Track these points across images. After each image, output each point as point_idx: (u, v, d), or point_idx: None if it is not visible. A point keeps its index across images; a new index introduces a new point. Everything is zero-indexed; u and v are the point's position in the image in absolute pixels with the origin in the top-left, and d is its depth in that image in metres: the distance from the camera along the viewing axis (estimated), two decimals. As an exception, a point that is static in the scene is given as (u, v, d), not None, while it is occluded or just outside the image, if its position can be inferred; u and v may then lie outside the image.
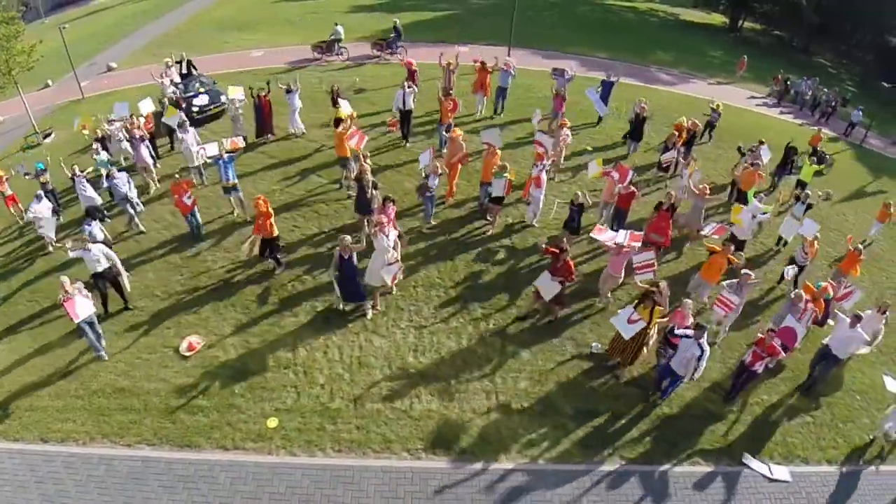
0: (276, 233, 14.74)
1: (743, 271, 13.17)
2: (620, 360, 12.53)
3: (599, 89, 22.70)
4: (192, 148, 18.33)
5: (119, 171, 17.00)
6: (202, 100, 23.65)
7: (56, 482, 10.47)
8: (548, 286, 12.84)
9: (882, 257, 18.52)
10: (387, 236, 12.98)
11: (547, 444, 11.32)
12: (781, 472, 11.23)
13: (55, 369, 12.67)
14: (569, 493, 10.55)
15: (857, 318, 12.23)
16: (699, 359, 10.99)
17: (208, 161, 17.87)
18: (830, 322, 13.52)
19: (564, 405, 12.05)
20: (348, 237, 12.75)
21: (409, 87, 20.27)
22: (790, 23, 48.45)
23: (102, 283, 13.64)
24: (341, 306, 13.95)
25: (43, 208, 15.89)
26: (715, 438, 11.70)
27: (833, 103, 31.75)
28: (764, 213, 16.21)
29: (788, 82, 33.11)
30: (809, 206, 17.33)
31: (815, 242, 15.27)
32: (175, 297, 14.50)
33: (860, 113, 30.61)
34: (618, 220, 16.25)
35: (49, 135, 23.66)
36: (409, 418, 11.62)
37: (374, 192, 15.18)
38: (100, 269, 13.41)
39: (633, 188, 15.88)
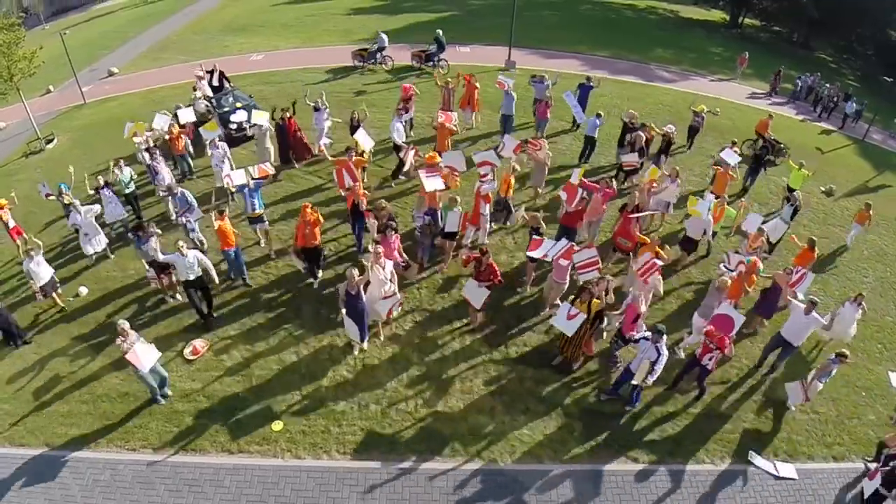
0: (319, 242, 14.26)
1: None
2: (567, 355, 12.53)
3: (577, 93, 21.70)
4: (222, 167, 17.31)
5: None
6: (240, 116, 20.86)
7: (61, 487, 10.48)
8: (475, 293, 12.49)
9: (886, 252, 18.44)
10: (382, 268, 12.22)
11: (553, 444, 11.30)
12: (787, 469, 11.19)
13: (60, 374, 12.71)
14: (575, 493, 10.53)
15: (812, 305, 12.02)
16: (655, 362, 10.72)
17: (233, 190, 16.50)
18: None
19: (570, 405, 12.04)
20: (355, 270, 11.85)
21: (401, 114, 19.35)
22: (790, 18, 48.34)
23: (194, 292, 13.24)
24: (357, 349, 13.00)
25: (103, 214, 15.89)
26: (720, 436, 11.67)
27: (835, 98, 31.70)
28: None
29: (780, 75, 32.96)
30: (797, 210, 16.90)
31: (760, 237, 14.72)
32: (187, 303, 14.34)
33: (853, 104, 30.51)
34: (566, 238, 14.64)
35: (51, 140, 23.72)
36: (413, 420, 11.62)
37: (371, 220, 14.36)
38: (192, 277, 13.03)
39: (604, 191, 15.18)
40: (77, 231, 15.63)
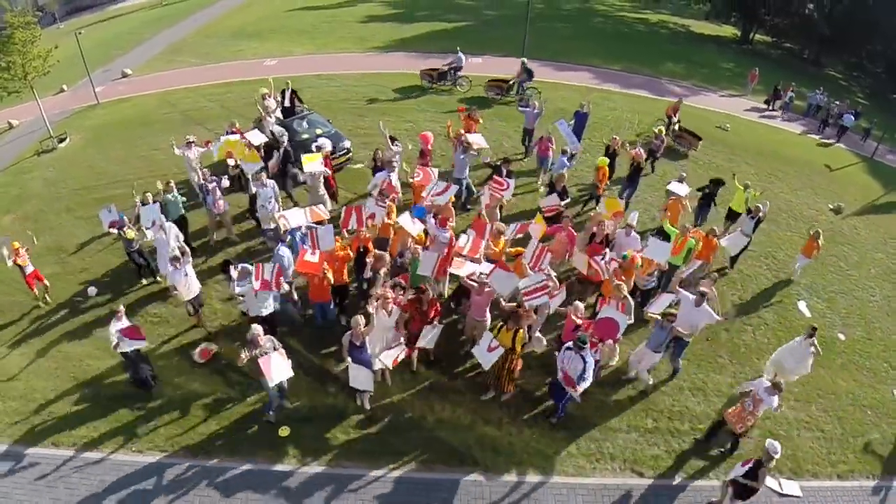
0: (347, 280, 13.45)
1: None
2: (493, 390, 12.13)
3: (572, 122, 20.11)
4: (271, 207, 15.25)
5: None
6: (323, 145, 17.46)
7: (68, 487, 10.54)
8: (429, 335, 11.66)
9: (894, 270, 18.41)
10: (388, 313, 11.22)
11: (559, 457, 11.31)
12: (792, 486, 11.20)
13: (69, 374, 12.78)
14: (579, 505, 10.56)
15: (701, 296, 11.87)
16: (583, 372, 10.50)
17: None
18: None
19: (577, 418, 12.04)
20: (361, 318, 10.79)
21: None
22: (801, 35, 48.38)
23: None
24: (359, 400, 12.04)
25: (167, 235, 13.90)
26: (726, 453, 11.65)
27: (842, 115, 31.50)
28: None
29: (778, 89, 32.89)
30: (759, 221, 16.07)
31: (654, 263, 13.35)
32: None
33: (852, 118, 30.36)
34: None
35: (64, 140, 23.88)
36: (421, 429, 11.65)
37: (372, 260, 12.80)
38: (265, 314, 12.04)
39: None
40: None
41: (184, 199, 16.10)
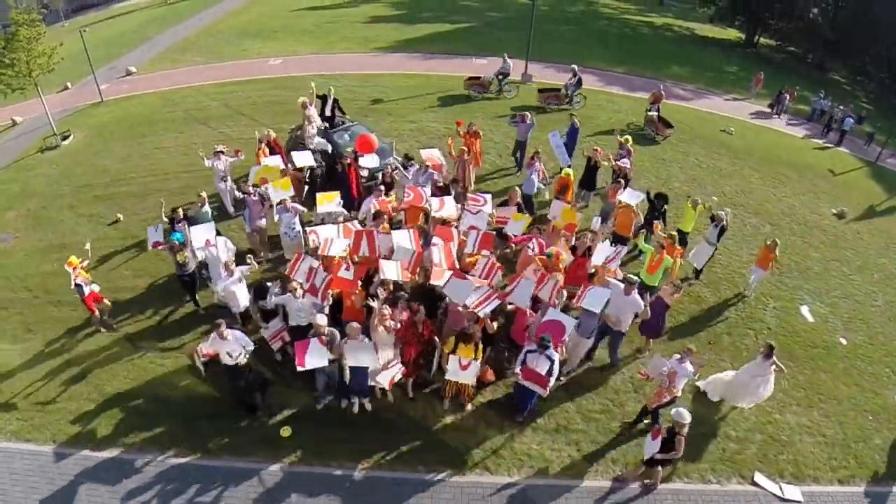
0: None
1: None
2: (463, 397, 11.93)
3: (564, 137, 19.20)
4: (294, 234, 14.58)
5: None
6: (370, 161, 16.67)
7: (67, 484, 10.56)
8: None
9: (895, 275, 18.45)
10: (388, 330, 11.02)
11: (560, 460, 11.30)
12: (793, 491, 11.16)
13: (69, 372, 12.81)
14: (580, 508, 10.55)
15: (630, 285, 11.82)
16: (549, 371, 10.57)
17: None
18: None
19: (578, 421, 12.04)
20: (356, 325, 10.85)
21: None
22: (805, 39, 48.33)
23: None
24: (357, 405, 11.97)
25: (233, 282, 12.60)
26: (726, 457, 11.65)
27: (844, 119, 31.16)
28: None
29: (782, 93, 32.75)
30: (724, 230, 15.46)
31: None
32: (192, 304, 14.45)
33: (852, 121, 30.22)
34: None
35: (67, 137, 23.91)
36: (423, 430, 11.63)
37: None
38: (304, 323, 11.70)
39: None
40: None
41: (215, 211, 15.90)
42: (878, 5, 43.03)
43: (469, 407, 12.01)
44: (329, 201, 14.82)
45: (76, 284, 12.98)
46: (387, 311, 11.02)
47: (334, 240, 12.96)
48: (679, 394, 11.09)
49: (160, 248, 13.95)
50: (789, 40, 50.69)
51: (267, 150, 16.94)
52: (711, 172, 22.27)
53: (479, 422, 11.84)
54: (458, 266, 12.54)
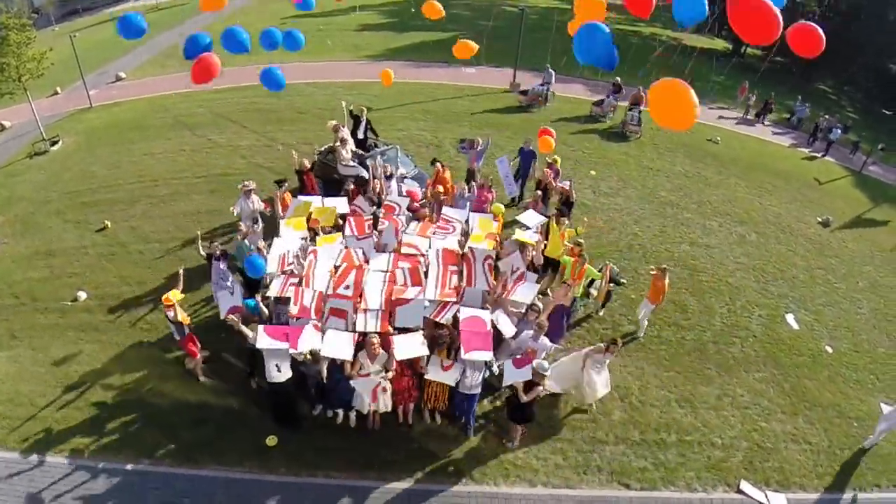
0: None
1: None
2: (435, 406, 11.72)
3: (516, 161, 18.43)
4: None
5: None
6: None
7: (53, 494, 10.46)
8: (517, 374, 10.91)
9: (880, 283, 18.57)
10: (373, 359, 10.68)
11: (545, 468, 11.32)
12: (778, 499, 11.22)
13: (55, 380, 12.69)
14: (566, 516, 10.57)
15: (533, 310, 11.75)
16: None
17: None
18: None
19: (563, 429, 12.07)
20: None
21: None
22: (791, 48, 48.61)
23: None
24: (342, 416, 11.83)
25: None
26: (712, 464, 11.71)
27: (830, 129, 31.27)
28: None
29: (769, 102, 33.06)
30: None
31: None
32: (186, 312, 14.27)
33: (839, 132, 30.40)
34: None
35: (56, 142, 23.79)
36: (409, 439, 11.62)
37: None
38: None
39: None
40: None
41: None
42: (864, 15, 43.45)
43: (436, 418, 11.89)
44: (297, 229, 13.48)
45: (174, 323, 11.72)
46: (376, 339, 10.70)
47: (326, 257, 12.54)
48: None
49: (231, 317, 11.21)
50: (776, 50, 51.00)
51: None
52: (697, 181, 22.46)
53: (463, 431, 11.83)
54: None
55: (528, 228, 14.01)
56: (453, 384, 10.94)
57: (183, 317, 11.80)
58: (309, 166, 16.11)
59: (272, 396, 11.35)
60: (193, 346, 12.11)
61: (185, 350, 12.25)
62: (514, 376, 10.62)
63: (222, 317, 11.68)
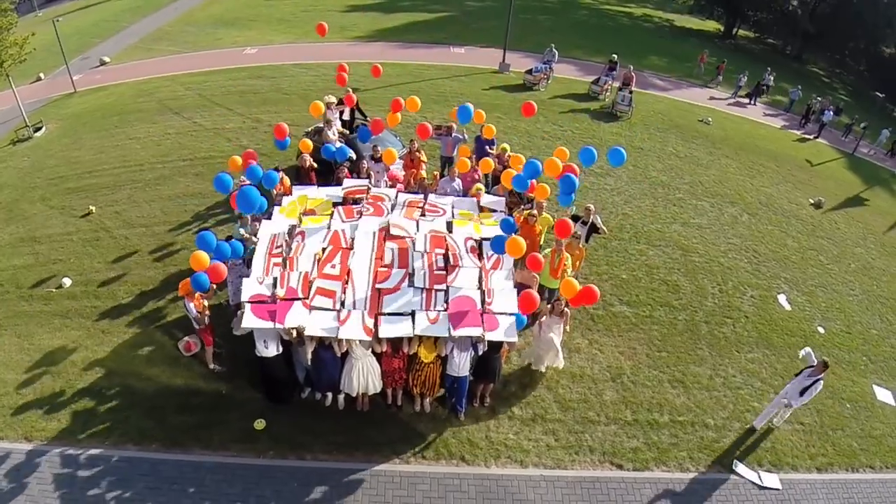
0: None
1: None
2: (424, 392, 11.47)
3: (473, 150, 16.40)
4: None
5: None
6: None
7: (40, 482, 10.31)
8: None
9: (873, 266, 18.56)
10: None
11: (537, 449, 11.24)
12: (771, 479, 11.20)
13: (40, 367, 12.49)
14: (558, 499, 10.50)
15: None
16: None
17: None
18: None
19: (555, 411, 11.99)
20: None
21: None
22: (784, 31, 48.63)
23: None
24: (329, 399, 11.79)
25: None
26: (706, 445, 11.67)
27: (823, 111, 31.30)
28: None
29: (761, 84, 33.36)
30: (594, 227, 13.86)
31: None
32: (171, 296, 14.09)
33: (831, 114, 30.36)
34: None
35: (39, 129, 23.47)
36: (398, 421, 11.52)
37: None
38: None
39: None
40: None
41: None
42: (857, -1, 43.48)
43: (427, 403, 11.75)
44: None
45: (197, 314, 11.54)
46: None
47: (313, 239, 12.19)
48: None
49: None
50: (768, 32, 50.98)
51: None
52: (689, 162, 22.35)
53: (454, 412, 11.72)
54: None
55: (494, 211, 13.63)
56: (446, 334, 10.55)
57: (204, 307, 11.67)
58: (316, 166, 15.36)
59: (264, 370, 11.21)
60: (210, 336, 12.00)
61: (201, 339, 12.13)
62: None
63: (243, 299, 10.96)
